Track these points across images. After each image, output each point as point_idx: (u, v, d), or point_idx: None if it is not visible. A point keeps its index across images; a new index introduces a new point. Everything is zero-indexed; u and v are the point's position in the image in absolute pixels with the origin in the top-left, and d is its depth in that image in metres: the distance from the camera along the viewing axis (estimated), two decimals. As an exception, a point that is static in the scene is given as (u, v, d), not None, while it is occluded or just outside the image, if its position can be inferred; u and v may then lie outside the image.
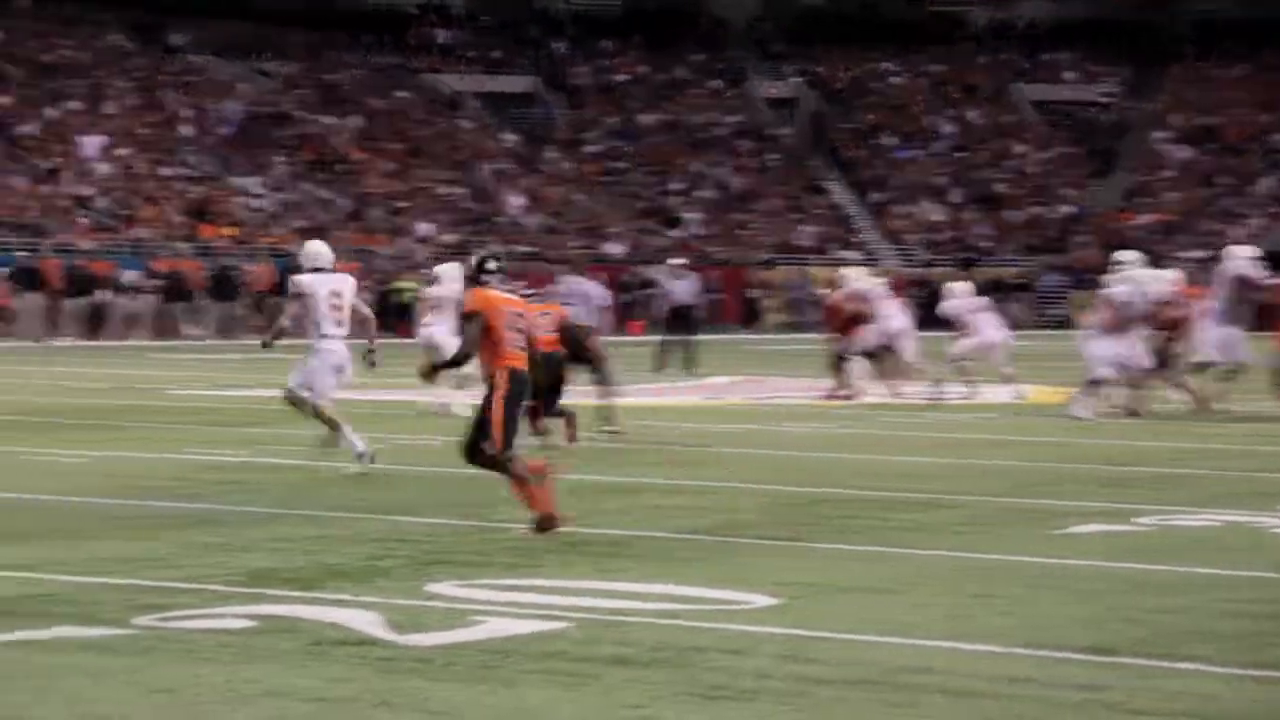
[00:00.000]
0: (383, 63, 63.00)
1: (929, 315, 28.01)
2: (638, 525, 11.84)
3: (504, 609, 8.69)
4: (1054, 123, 65.33)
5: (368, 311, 15.67)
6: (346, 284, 15.29)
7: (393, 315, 44.74)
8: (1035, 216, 60.14)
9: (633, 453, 16.85)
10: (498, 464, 11.42)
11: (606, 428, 17.92)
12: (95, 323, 41.42)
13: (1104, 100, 66.32)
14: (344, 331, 15.20)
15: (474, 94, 62.62)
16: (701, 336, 32.13)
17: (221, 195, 49.76)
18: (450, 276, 20.55)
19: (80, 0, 59.44)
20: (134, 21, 59.48)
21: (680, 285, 32.33)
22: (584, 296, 20.00)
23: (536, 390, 17.18)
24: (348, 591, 9.13)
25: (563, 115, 63.61)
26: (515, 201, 55.83)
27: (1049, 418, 20.65)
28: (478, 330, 11.44)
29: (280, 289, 43.38)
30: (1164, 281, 21.54)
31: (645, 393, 23.70)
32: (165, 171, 50.15)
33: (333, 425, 15.00)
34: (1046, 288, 54.89)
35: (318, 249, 15.48)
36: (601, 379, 18.28)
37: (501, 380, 11.41)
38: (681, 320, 31.43)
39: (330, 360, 15.08)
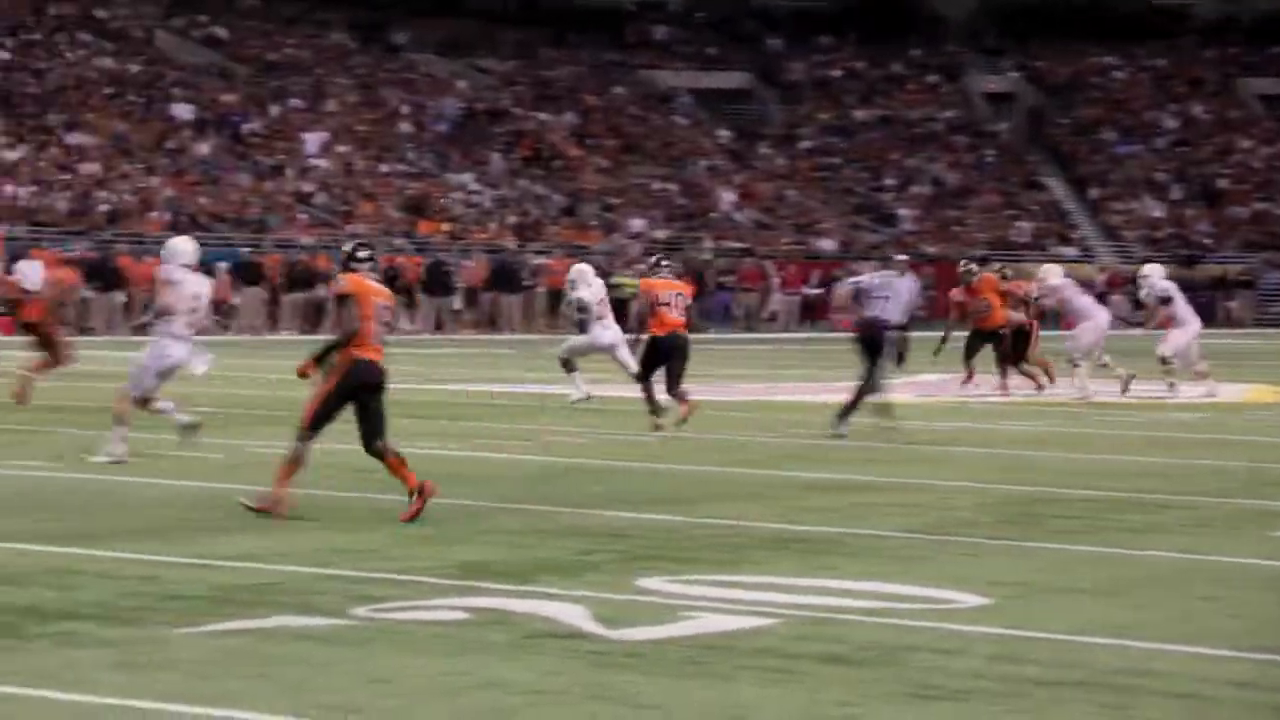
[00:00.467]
0: (598, 59, 63.37)
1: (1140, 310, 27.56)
2: (848, 523, 11.78)
3: (714, 605, 8.68)
4: (1280, 117, 64.02)
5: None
6: (206, 286, 15.30)
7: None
8: (1259, 213, 58.90)
9: (843, 450, 16.75)
10: (376, 454, 11.69)
11: (885, 423, 17.61)
12: (314, 317, 42.14)
13: (1332, 94, 64.84)
14: (192, 333, 15.06)
15: (688, 90, 62.74)
16: (916, 333, 31.82)
17: (438, 191, 50.36)
18: (585, 280, 20.77)
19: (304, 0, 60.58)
20: (356, 21, 60.46)
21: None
22: (895, 292, 19.55)
23: (670, 366, 17.56)
24: (557, 585, 9.18)
25: (777, 111, 63.51)
26: (728, 197, 55.84)
27: (1269, 415, 20.19)
28: (355, 312, 11.61)
29: (493, 284, 43.91)
30: None
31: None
32: (383, 168, 50.88)
33: (121, 420, 14.59)
34: (1268, 285, 53.76)
35: (184, 246, 15.19)
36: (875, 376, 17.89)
37: (343, 366, 11.59)
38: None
39: (165, 363, 14.86)
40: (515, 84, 59.73)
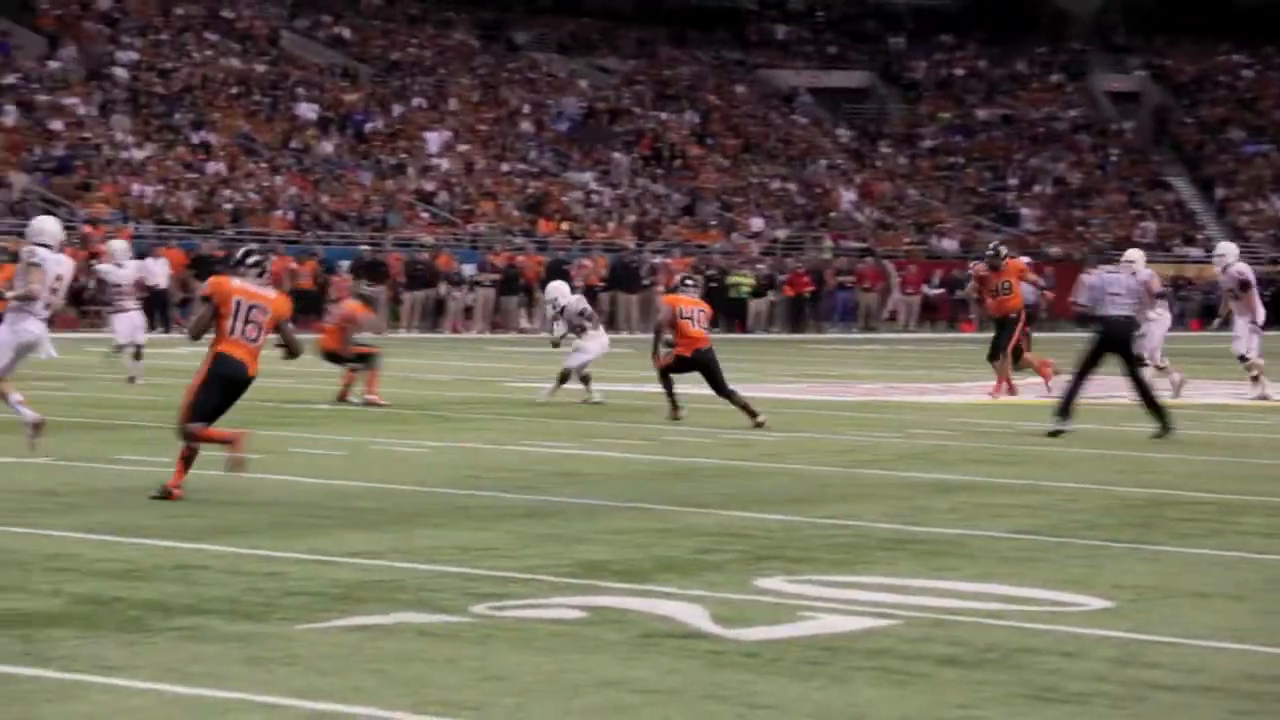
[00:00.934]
0: (719, 58, 63.36)
1: (1276, 313, 27.19)
2: (969, 524, 11.71)
3: (832, 605, 8.66)
4: None
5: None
6: (68, 268, 15.07)
7: (726, 312, 45.04)
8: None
9: (965, 451, 16.67)
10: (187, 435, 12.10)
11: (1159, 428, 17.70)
12: (435, 315, 42.39)
13: None
14: (49, 314, 14.87)
15: (809, 89, 62.62)
16: (1040, 334, 31.61)
17: (558, 190, 50.53)
18: (565, 293, 22.03)
19: (427, -1, 61.03)
20: (478, 20, 60.81)
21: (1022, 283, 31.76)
22: (1126, 288, 19.25)
23: (710, 378, 18.40)
24: (676, 585, 9.19)
25: (898, 110, 63.25)
26: (848, 197, 55.66)
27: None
28: (208, 311, 12.23)
29: (611, 283, 43.97)
30: None
31: (977, 391, 23.43)
32: (504, 167, 51.12)
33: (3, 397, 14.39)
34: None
35: (47, 225, 14.97)
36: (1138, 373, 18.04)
37: (209, 360, 12.18)
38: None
39: (23, 339, 14.59)
40: (636, 83, 59.83)
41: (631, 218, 50.27)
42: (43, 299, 14.72)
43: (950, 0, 67.98)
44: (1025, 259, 25.28)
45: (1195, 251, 53.64)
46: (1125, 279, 18.04)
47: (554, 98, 56.55)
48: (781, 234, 51.89)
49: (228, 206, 43.97)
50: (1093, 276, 18.68)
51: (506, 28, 61.26)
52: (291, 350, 12.62)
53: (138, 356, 22.93)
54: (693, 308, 19.34)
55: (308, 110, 50.06)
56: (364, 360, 20.62)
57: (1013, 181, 59.38)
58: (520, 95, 55.89)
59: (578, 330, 21.51)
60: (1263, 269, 51.01)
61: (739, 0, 66.85)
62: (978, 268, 24.18)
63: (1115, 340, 17.65)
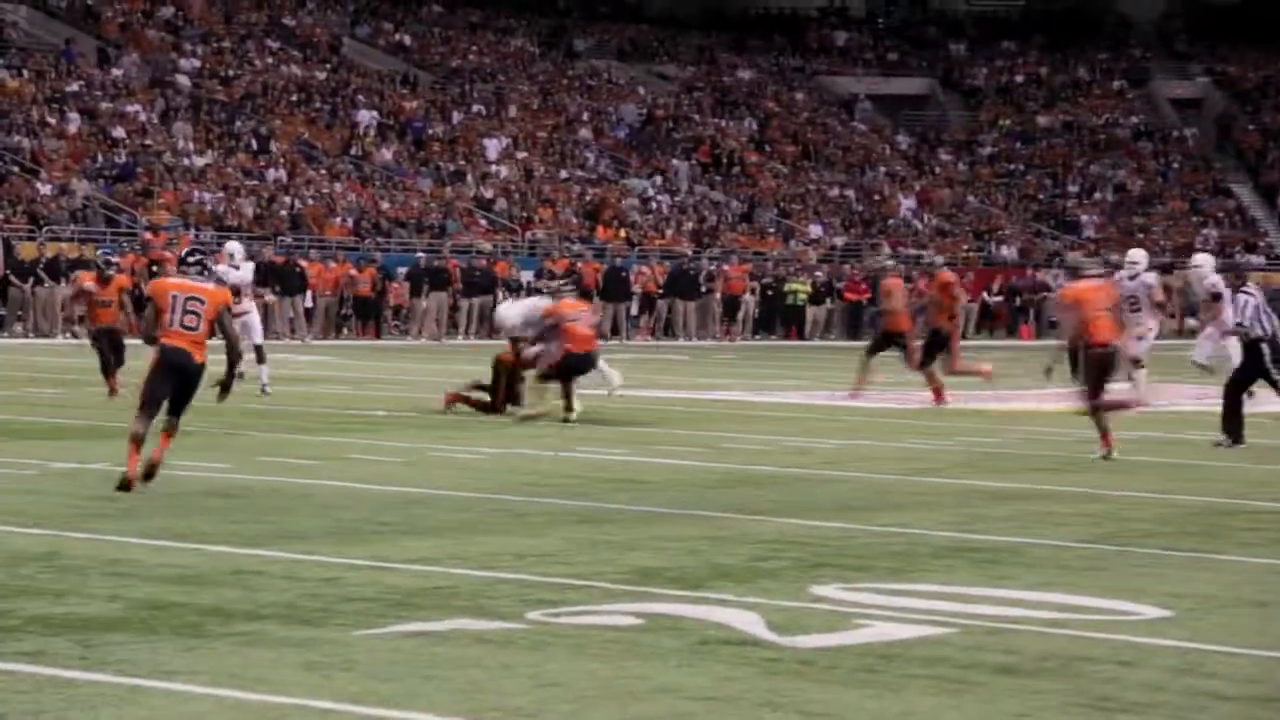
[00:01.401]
0: (779, 65, 63.33)
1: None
2: (1026, 532, 11.67)
3: (888, 613, 8.64)
4: None
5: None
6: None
7: (784, 319, 44.99)
8: None
9: (1023, 459, 16.60)
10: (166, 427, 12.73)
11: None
12: (492, 322, 42.44)
13: None
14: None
15: (868, 96, 62.51)
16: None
17: (616, 197, 50.57)
18: None
19: (487, 6, 61.15)
20: (538, 27, 60.95)
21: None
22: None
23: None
24: (731, 592, 9.18)
25: (958, 117, 63.08)
26: (906, 204, 55.53)
27: None
28: (151, 311, 13.05)
29: (669, 289, 43.97)
30: None
31: (1036, 398, 23.34)
32: (563, 174, 51.18)
33: None
34: None
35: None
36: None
37: (156, 352, 12.87)
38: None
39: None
40: (695, 90, 59.83)
41: (689, 225, 50.27)
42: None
43: (1012, 6, 67.76)
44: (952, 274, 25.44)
45: (1257, 259, 53.27)
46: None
47: (613, 105, 56.61)
48: (839, 241, 51.80)
49: (283, 213, 44.15)
50: (1240, 296, 18.66)
51: (566, 34, 61.36)
52: (229, 342, 13.32)
53: (260, 360, 21.94)
54: (576, 309, 20.05)
55: (367, 117, 50.25)
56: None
57: (1073, 188, 59.13)
58: (579, 102, 55.96)
59: (550, 330, 20.08)
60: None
61: (800, 7, 66.79)
62: (922, 285, 24.58)
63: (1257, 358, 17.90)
